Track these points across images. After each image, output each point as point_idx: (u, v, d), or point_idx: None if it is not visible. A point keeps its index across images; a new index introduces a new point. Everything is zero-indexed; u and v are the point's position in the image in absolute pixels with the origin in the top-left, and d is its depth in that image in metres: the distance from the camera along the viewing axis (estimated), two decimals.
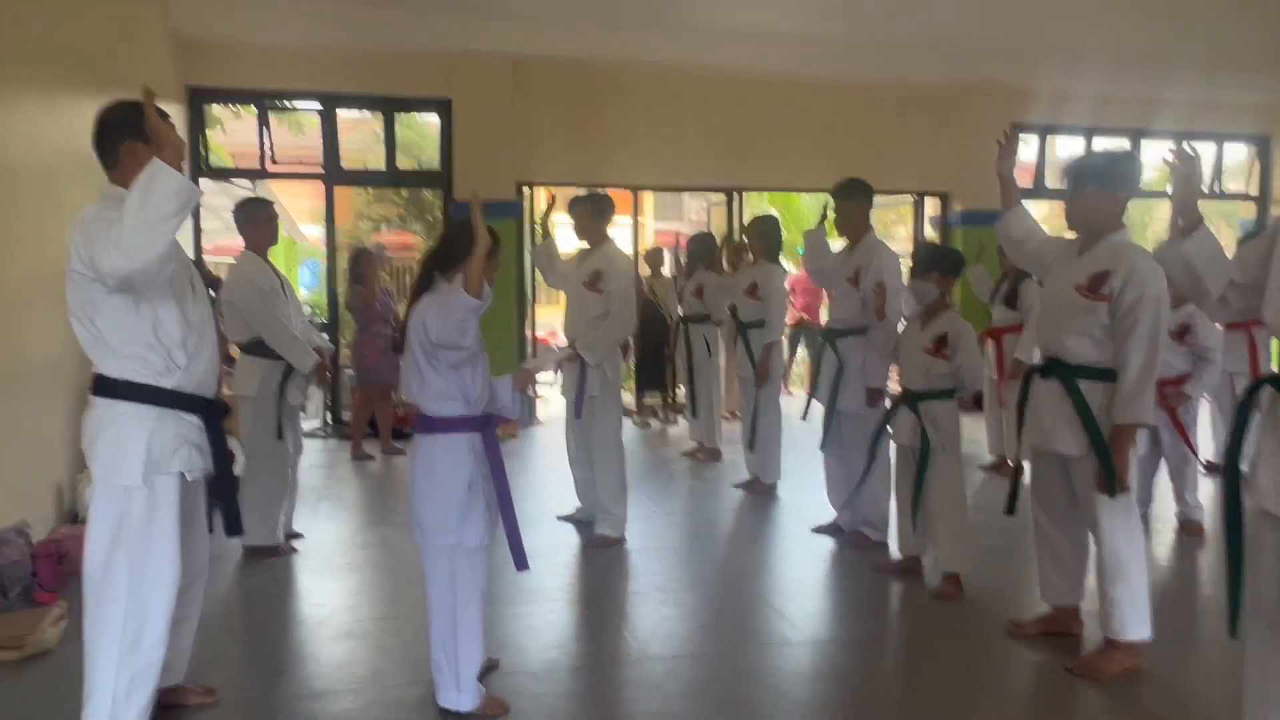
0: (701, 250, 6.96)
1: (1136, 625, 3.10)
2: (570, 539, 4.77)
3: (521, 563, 2.90)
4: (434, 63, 8.06)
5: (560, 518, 5.07)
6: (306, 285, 13.82)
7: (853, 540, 4.64)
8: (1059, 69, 8.77)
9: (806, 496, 5.37)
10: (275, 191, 12.69)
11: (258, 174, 8.25)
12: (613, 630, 3.57)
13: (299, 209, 15.95)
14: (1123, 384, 2.96)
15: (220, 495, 2.72)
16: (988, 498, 5.70)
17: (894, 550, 4.38)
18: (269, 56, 7.84)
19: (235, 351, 4.65)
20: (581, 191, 5.55)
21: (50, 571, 3.81)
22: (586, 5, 7.81)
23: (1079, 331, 3.06)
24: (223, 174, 8.54)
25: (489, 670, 3.08)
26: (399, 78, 8.12)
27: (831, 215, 4.68)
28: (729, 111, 8.82)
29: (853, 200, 4.54)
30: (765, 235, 5.80)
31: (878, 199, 4.96)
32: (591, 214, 4.71)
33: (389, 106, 8.34)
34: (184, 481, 2.55)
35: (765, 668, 3.23)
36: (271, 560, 4.36)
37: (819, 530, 4.84)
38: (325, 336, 5.30)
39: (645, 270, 8.55)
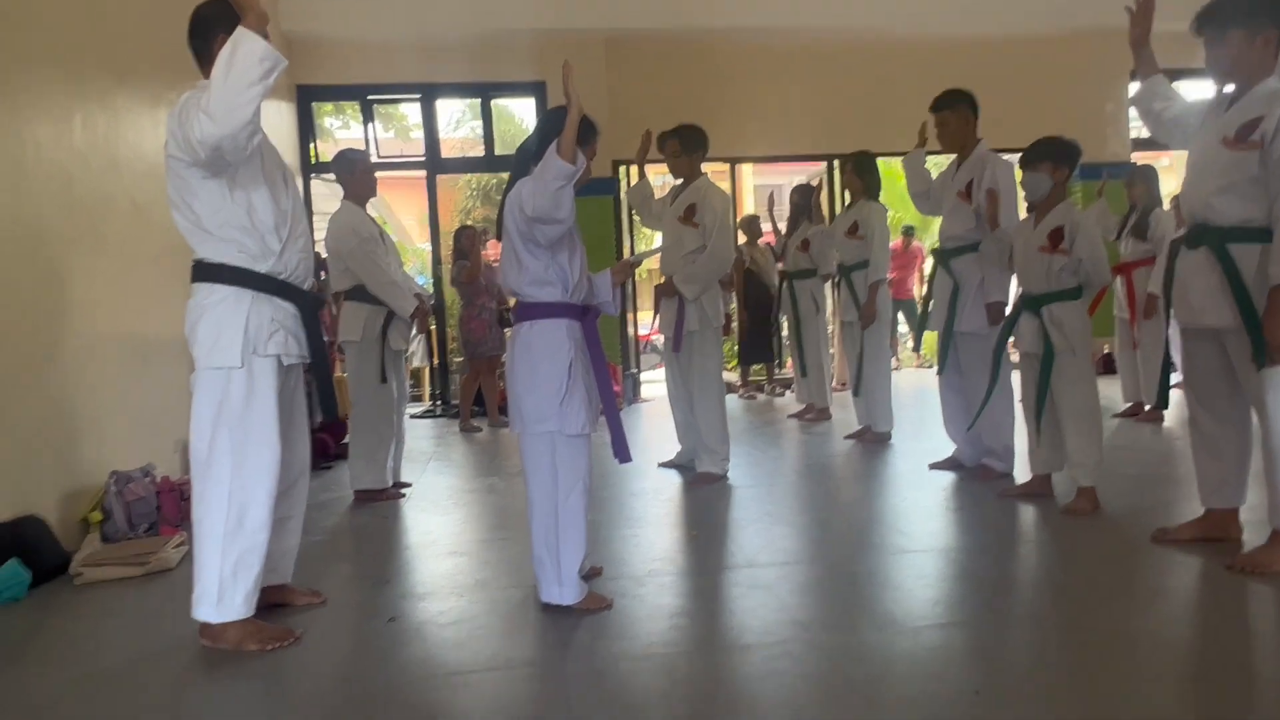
0: (804, 202, 6.76)
1: None
2: (674, 480, 4.64)
3: (624, 454, 2.81)
4: (527, 45, 8.15)
5: (662, 464, 4.95)
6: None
7: (976, 474, 4.35)
8: (1178, 9, 8.21)
9: (923, 443, 5.09)
10: (384, 196, 13.11)
11: None
12: (718, 545, 3.42)
13: (409, 223, 16.46)
14: (1278, 239, 2.65)
15: (316, 380, 2.73)
16: (1126, 437, 5.30)
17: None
18: (371, 51, 8.10)
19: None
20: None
21: (173, 507, 3.93)
22: None
23: (1225, 188, 2.76)
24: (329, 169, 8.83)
25: (591, 576, 2.98)
26: (493, 63, 8.25)
27: (933, 132, 4.46)
28: (829, 76, 8.62)
29: (951, 109, 4.30)
30: (861, 172, 5.58)
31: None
32: (683, 148, 4.61)
33: (485, 92, 8.49)
34: (281, 368, 2.56)
35: (885, 571, 3.02)
36: (380, 503, 4.39)
37: (936, 466, 4.57)
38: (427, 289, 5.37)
39: (743, 239, 8.38)
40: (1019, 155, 3.73)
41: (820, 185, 7.86)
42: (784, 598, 2.76)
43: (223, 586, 2.46)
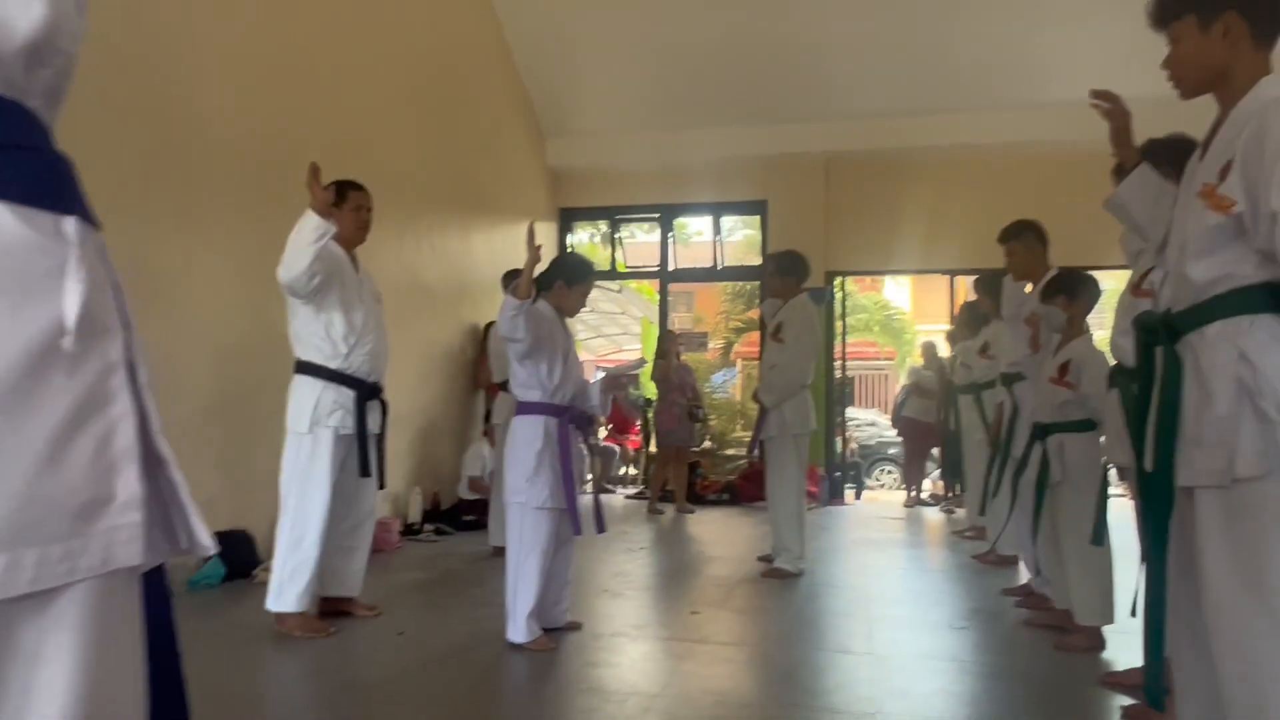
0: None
1: None
2: (753, 570, 5.05)
3: (577, 529, 3.48)
4: (754, 169, 9.04)
5: (760, 558, 5.35)
6: (722, 390, 14.61)
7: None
8: None
9: None
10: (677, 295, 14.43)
11: (608, 275, 9.85)
12: (734, 624, 3.87)
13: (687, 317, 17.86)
14: None
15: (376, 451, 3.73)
16: None
17: None
18: (617, 179, 9.49)
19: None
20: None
21: None
22: (896, 98, 8.25)
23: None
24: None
25: (570, 629, 3.62)
26: (722, 185, 9.23)
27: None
28: (1045, 189, 8.43)
29: (1017, 241, 4.41)
30: (994, 293, 5.60)
31: None
32: (779, 271, 5.14)
33: (715, 211, 9.48)
34: (338, 438, 3.58)
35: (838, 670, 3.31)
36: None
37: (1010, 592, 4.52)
38: None
39: (947, 352, 8.36)
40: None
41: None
42: (734, 678, 3.21)
43: (282, 583, 3.50)
